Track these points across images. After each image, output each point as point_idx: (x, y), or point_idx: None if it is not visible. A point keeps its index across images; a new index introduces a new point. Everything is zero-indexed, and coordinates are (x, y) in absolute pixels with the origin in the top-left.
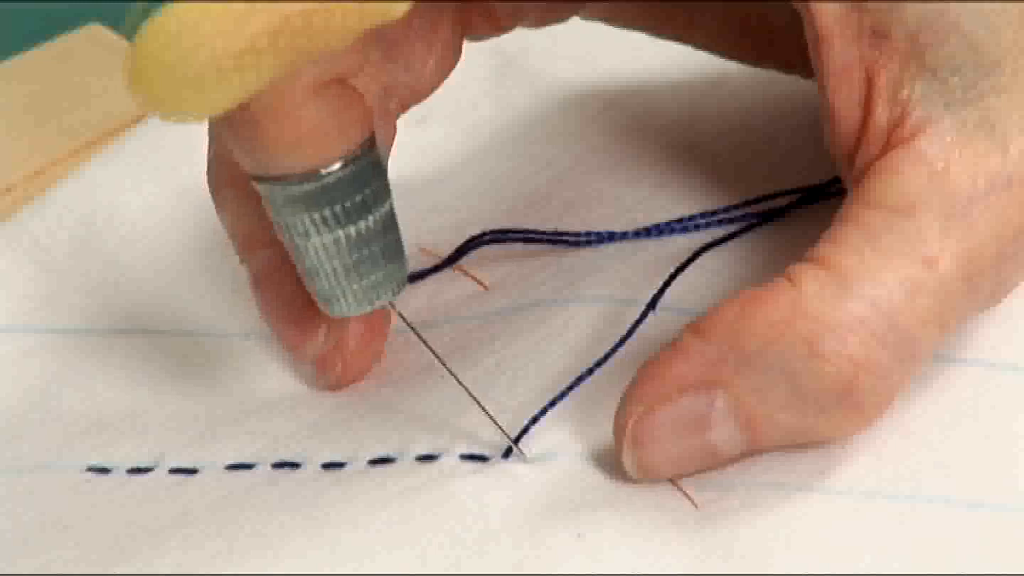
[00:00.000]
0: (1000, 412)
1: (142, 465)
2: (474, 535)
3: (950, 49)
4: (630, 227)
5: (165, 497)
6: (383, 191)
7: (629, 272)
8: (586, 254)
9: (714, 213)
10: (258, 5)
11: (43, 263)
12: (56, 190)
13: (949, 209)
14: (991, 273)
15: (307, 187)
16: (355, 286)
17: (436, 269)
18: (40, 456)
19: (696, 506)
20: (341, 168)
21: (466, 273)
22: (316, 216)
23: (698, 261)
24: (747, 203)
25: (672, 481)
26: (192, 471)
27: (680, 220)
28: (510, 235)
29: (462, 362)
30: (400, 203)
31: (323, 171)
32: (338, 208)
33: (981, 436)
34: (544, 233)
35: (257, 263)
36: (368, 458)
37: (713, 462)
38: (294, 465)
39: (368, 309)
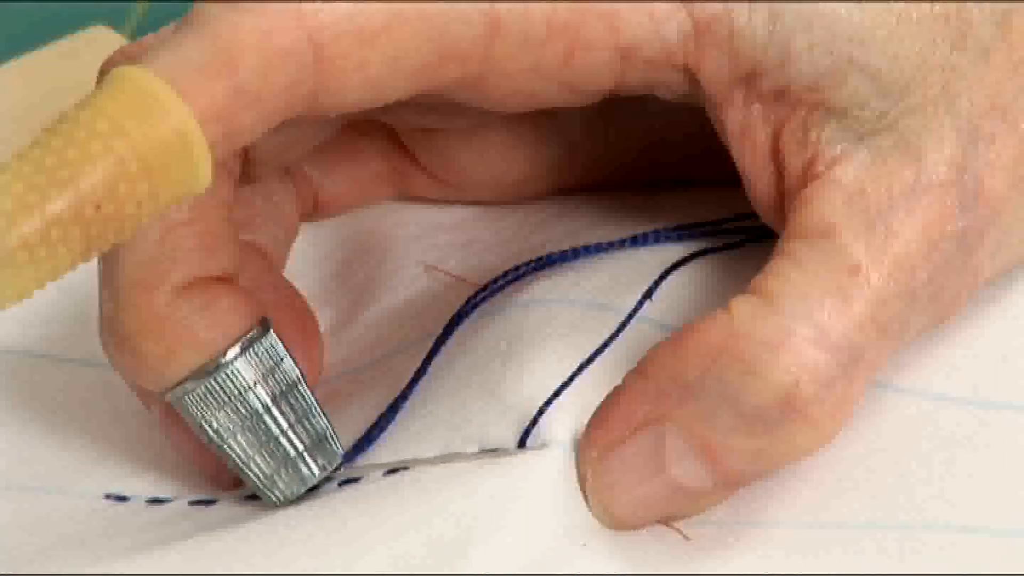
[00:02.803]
0: (996, 448)
1: (161, 497)
2: (483, 537)
3: (852, 87)
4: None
5: (183, 520)
6: (289, 371)
7: (629, 275)
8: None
9: (719, 223)
10: (61, 180)
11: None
12: None
13: (868, 223)
14: (924, 278)
15: (205, 385)
16: (283, 473)
17: (448, 329)
18: (56, 480)
19: (687, 539)
20: (235, 359)
21: (457, 277)
22: (220, 415)
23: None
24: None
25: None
26: (211, 501)
27: (676, 228)
28: (525, 268)
29: (469, 361)
30: (405, 221)
31: (214, 365)
32: (240, 401)
33: (979, 467)
34: (550, 256)
35: (159, 407)
36: (383, 470)
37: (686, 501)
38: (311, 488)
39: (302, 490)
